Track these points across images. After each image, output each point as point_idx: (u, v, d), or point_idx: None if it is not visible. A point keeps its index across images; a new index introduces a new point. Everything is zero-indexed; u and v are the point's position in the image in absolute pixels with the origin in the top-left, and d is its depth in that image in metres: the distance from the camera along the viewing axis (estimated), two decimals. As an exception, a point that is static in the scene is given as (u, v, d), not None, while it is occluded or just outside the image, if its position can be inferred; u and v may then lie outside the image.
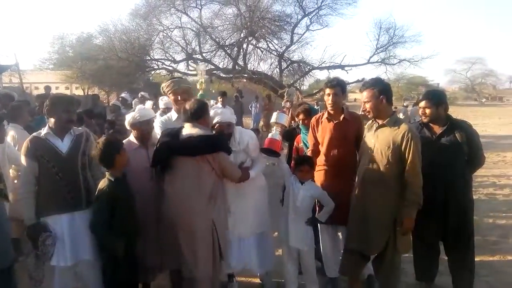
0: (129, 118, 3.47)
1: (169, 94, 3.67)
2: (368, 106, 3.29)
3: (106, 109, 11.11)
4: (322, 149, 3.82)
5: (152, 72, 21.22)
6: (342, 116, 3.74)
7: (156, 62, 19.08)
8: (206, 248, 3.08)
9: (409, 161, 3.12)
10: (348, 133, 3.71)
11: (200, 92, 3.61)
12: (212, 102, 8.52)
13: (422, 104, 3.57)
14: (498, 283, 4.03)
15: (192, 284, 3.05)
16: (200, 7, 17.26)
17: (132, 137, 3.49)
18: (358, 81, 19.13)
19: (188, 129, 3.10)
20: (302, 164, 3.61)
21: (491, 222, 5.91)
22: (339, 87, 3.72)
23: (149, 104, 7.33)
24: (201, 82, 3.66)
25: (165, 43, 17.92)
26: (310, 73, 18.01)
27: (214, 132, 3.39)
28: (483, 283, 4.00)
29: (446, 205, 3.44)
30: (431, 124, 3.59)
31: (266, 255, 3.73)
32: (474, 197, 6.86)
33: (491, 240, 5.20)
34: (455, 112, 32.46)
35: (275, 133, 3.50)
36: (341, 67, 17.21)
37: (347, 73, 17.93)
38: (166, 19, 17.69)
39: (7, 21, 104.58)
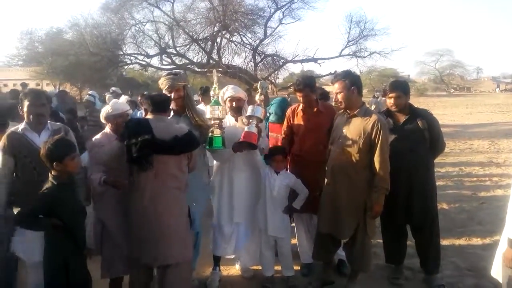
0: (103, 112, 3.52)
1: (164, 91, 3.64)
2: (340, 96, 3.42)
3: (76, 105, 10.95)
4: (297, 139, 3.97)
5: (125, 67, 20.95)
6: (316, 108, 3.90)
7: (129, 57, 18.88)
8: (183, 235, 3.19)
9: (378, 149, 3.28)
10: (322, 124, 3.84)
11: (214, 98, 3.60)
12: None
13: (394, 94, 3.67)
14: (463, 263, 4.25)
15: (168, 271, 3.13)
16: (172, 1, 17.17)
17: (108, 129, 3.50)
18: (330, 73, 19.47)
19: (160, 124, 3.10)
20: (276, 154, 3.74)
21: (457, 206, 6.21)
22: (307, 88, 3.84)
23: (123, 98, 7.34)
24: (215, 88, 3.68)
25: (138, 38, 17.79)
26: (284, 66, 18.18)
27: (227, 106, 3.76)
28: (449, 263, 4.23)
29: (411, 190, 3.62)
30: (395, 113, 3.75)
31: (256, 248, 3.90)
32: (442, 183, 7.33)
33: (458, 223, 5.47)
34: (424, 102, 33.50)
35: (251, 126, 3.58)
36: (314, 60, 17.50)
37: (320, 66, 18.28)
38: (137, 13, 17.56)
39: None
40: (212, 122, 3.50)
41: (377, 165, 3.30)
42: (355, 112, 3.42)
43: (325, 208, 3.53)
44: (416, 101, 34.78)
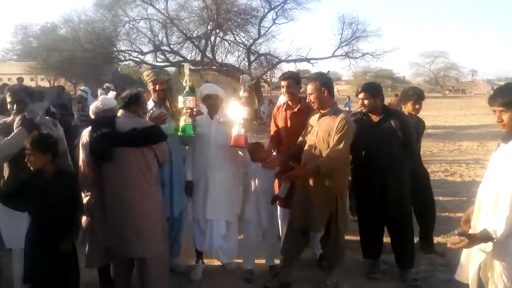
0: (92, 107, 3.64)
1: (149, 83, 3.89)
2: (312, 97, 3.59)
3: (71, 101, 11.03)
4: (283, 138, 4.08)
5: (120, 63, 20.98)
6: (298, 106, 4.00)
7: (123, 54, 18.89)
8: (156, 229, 3.27)
9: (336, 138, 3.40)
10: (303, 123, 3.92)
11: (186, 89, 3.76)
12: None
13: (361, 95, 3.84)
14: (439, 259, 4.38)
15: (145, 263, 3.23)
16: (166, -1, 17.19)
17: None
18: (324, 73, 19.66)
19: (124, 119, 3.20)
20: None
21: (439, 204, 6.29)
22: (291, 79, 3.99)
23: (111, 94, 7.43)
24: (187, 80, 3.83)
25: (132, 35, 17.85)
26: (278, 65, 18.25)
27: (202, 103, 3.95)
28: (425, 259, 4.35)
29: (385, 187, 3.73)
30: (369, 114, 3.89)
31: (232, 245, 4.00)
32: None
33: (441, 221, 5.58)
34: (418, 104, 33.53)
35: (239, 128, 3.65)
36: (307, 60, 17.59)
37: (313, 66, 18.38)
38: (131, 11, 17.63)
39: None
40: (184, 111, 3.67)
41: (329, 150, 3.43)
42: (325, 112, 3.56)
43: (298, 203, 3.64)
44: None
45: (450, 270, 4.02)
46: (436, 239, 4.92)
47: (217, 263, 4.25)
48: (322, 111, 3.60)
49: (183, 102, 3.69)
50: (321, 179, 3.51)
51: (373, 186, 3.66)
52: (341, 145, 3.42)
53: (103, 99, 3.73)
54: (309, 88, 3.61)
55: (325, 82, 3.59)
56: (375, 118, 3.85)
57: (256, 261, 4.05)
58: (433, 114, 25.37)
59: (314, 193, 3.54)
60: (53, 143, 3.07)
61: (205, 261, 4.20)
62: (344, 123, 3.43)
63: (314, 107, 3.68)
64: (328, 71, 18.93)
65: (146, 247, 3.19)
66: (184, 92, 3.74)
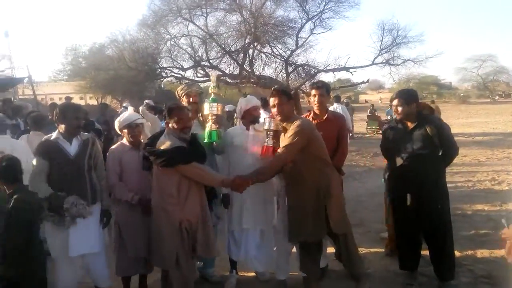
0: (116, 123, 3.77)
1: (183, 96, 3.97)
2: (277, 109, 3.49)
3: (115, 117, 11.52)
4: None
5: (162, 79, 21.66)
6: (326, 116, 4.01)
7: (164, 70, 19.51)
8: (171, 244, 3.25)
9: (286, 141, 3.38)
10: (330, 132, 3.92)
11: (212, 96, 3.85)
12: (227, 108, 8.34)
13: (395, 102, 3.80)
14: (482, 271, 4.15)
15: (167, 275, 3.35)
16: (205, 15, 17.62)
17: (124, 140, 3.75)
18: (363, 82, 19.35)
19: (164, 135, 3.36)
20: None
21: (484, 215, 6.06)
22: (324, 88, 4.02)
23: (131, 109, 7.72)
24: (213, 87, 3.92)
25: (173, 52, 18.33)
26: (316, 76, 18.11)
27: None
28: (466, 271, 4.16)
29: (421, 196, 3.65)
30: (404, 121, 3.83)
31: (267, 254, 3.99)
32: (471, 191, 7.12)
33: (482, 232, 5.34)
34: (466, 110, 32.17)
35: (267, 140, 3.66)
36: (346, 69, 17.34)
37: (352, 74, 18.13)
38: (173, 28, 18.09)
39: (20, 34, 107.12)
40: (210, 117, 3.74)
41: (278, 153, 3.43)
42: (286, 125, 3.51)
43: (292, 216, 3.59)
44: (457, 109, 33.55)
45: (493, 283, 3.87)
46: (481, 251, 4.74)
47: (250, 273, 4.28)
48: (286, 126, 3.52)
49: (209, 108, 3.74)
50: (303, 190, 3.48)
51: (409, 194, 3.60)
52: (286, 151, 3.38)
53: (122, 116, 3.86)
54: (277, 100, 3.49)
55: (291, 95, 3.54)
56: (410, 125, 3.79)
57: (291, 272, 4.01)
58: (481, 120, 24.32)
59: (303, 201, 3.49)
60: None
61: (239, 271, 4.23)
62: (295, 127, 3.37)
63: (278, 119, 3.57)
64: (368, 79, 18.73)
65: (159, 260, 3.31)
66: (210, 99, 3.81)
